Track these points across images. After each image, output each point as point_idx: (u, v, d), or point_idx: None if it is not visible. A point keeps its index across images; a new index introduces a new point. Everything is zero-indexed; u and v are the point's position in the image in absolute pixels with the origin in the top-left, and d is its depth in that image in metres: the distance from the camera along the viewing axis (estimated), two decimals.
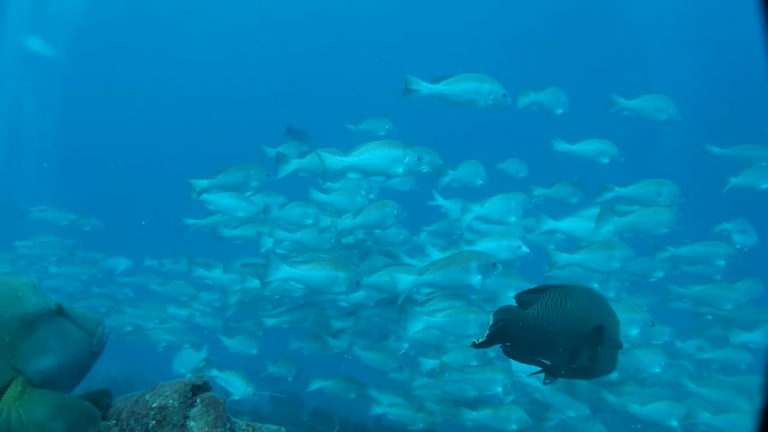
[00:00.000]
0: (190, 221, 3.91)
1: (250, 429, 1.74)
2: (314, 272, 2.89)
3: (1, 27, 12.00)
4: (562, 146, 3.57)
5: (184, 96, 15.84)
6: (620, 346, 1.55)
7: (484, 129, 8.72)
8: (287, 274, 2.88)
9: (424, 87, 2.93)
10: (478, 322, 2.86)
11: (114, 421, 1.65)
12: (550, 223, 3.15)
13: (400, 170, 2.92)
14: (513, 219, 3.24)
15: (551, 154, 3.63)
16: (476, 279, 2.76)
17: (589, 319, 1.51)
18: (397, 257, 3.38)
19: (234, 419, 1.74)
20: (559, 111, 3.49)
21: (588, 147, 3.56)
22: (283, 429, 1.71)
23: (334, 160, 2.88)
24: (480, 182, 3.53)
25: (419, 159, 2.99)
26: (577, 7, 13.01)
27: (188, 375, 3.81)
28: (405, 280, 2.80)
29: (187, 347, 4.24)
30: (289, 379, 4.00)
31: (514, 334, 1.57)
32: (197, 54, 15.84)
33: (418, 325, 2.84)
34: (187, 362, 3.96)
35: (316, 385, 3.79)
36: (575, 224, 3.13)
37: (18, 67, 12.69)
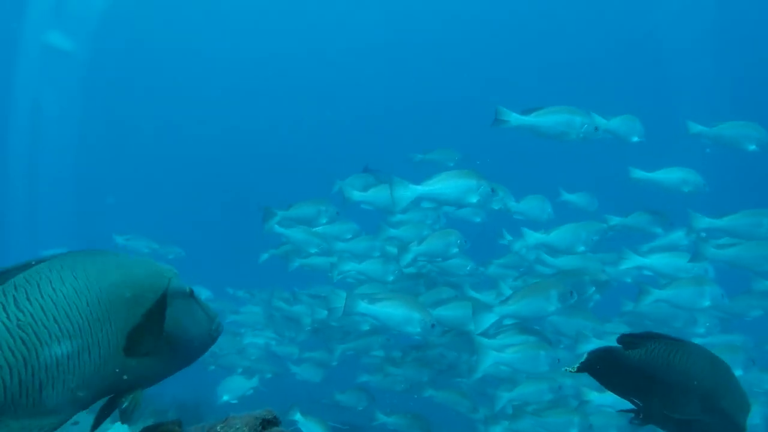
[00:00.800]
0: (265, 255, 4.03)
1: None
2: (390, 310, 2.90)
3: (23, 22, 11.85)
4: (638, 174, 3.40)
5: (209, 95, 15.46)
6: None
7: (535, 156, 8.49)
8: (364, 309, 2.90)
9: (514, 118, 2.90)
10: (549, 359, 2.85)
11: None
12: (635, 259, 2.99)
13: (474, 200, 2.93)
14: (582, 249, 3.14)
15: (614, 182, 3.53)
16: (555, 307, 2.77)
17: (704, 379, 1.41)
18: (461, 289, 3.36)
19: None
20: (635, 139, 3.32)
21: (669, 175, 3.38)
22: None
23: (404, 189, 2.89)
24: (546, 217, 3.47)
25: (493, 191, 2.97)
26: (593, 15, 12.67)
27: (232, 401, 3.93)
28: (487, 317, 2.78)
29: (239, 372, 4.28)
30: (359, 408, 3.97)
31: (609, 372, 1.54)
32: (222, 53, 15.48)
33: (488, 362, 2.82)
34: (235, 389, 4.00)
35: (381, 419, 3.73)
36: (664, 260, 2.96)
37: (39, 62, 12.52)
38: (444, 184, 2.92)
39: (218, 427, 1.65)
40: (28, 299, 1.01)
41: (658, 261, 3.01)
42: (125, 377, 1.15)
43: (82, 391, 1.07)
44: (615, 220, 3.42)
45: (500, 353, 2.85)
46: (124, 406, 1.18)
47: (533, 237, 3.23)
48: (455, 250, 3.16)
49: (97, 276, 1.11)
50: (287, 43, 15.75)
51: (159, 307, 1.17)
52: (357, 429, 4.88)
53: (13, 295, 1.01)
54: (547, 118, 2.92)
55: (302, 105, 15.71)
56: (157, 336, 1.17)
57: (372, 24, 14.69)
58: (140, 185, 14.22)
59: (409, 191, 2.90)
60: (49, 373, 1.01)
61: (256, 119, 15.97)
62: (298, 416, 3.36)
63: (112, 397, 1.17)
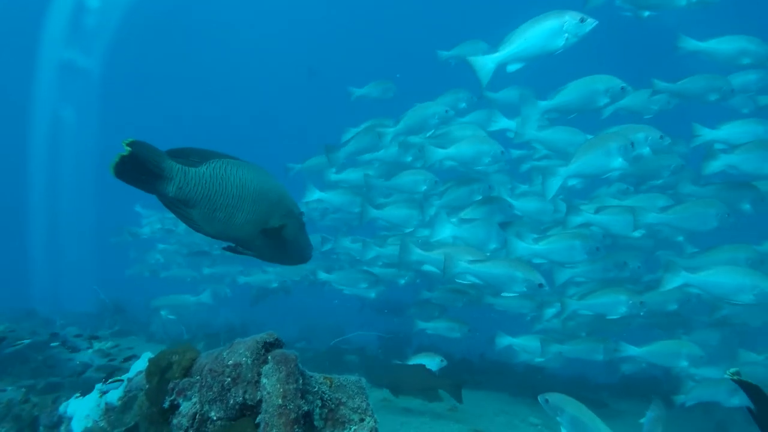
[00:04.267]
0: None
1: (328, 381, 1.73)
2: (493, 269, 3.08)
3: (40, 39, 12.60)
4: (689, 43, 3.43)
5: (220, 107, 16.34)
6: None
7: None
8: (464, 269, 3.08)
9: (540, 105, 3.10)
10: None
11: (198, 377, 1.70)
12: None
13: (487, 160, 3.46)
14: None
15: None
16: (618, 162, 2.91)
17: None
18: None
19: (310, 373, 1.75)
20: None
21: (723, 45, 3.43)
22: (363, 380, 1.69)
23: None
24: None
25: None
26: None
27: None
28: (553, 181, 3.08)
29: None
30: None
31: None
32: (228, 66, 16.36)
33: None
34: None
35: (421, 326, 4.10)
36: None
37: (57, 78, 13.20)
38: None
39: (224, 353, 1.71)
40: (227, 172, 1.82)
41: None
42: (254, 242, 1.93)
43: (230, 231, 1.88)
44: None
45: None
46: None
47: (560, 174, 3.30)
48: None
49: (262, 178, 1.87)
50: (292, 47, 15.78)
51: (289, 215, 1.93)
52: (401, 335, 5.37)
53: (224, 168, 1.81)
54: (570, 95, 3.07)
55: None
56: (280, 230, 1.92)
57: None
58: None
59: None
60: (218, 213, 1.82)
61: (266, 126, 16.24)
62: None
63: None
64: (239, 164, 1.83)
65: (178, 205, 1.79)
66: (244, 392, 1.58)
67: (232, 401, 1.61)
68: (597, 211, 3.24)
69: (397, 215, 3.83)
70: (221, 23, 15.97)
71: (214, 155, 1.81)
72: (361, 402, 1.80)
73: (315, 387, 1.71)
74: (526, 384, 4.58)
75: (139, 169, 1.66)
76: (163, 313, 5.16)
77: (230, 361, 1.65)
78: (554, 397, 2.52)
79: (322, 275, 4.39)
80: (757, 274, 2.82)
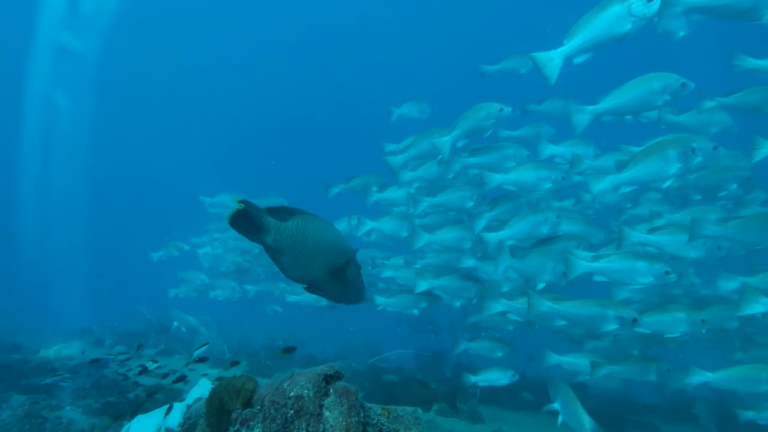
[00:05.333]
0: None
1: (386, 413, 1.74)
2: (580, 310, 3.10)
3: (36, 23, 12.48)
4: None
5: (214, 93, 15.92)
6: None
7: None
8: (549, 309, 3.11)
9: (589, 110, 2.91)
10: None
11: (258, 407, 1.74)
12: None
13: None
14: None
15: None
16: (675, 168, 2.83)
17: None
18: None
19: (369, 405, 1.77)
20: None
21: None
22: (419, 410, 1.70)
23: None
24: None
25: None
26: None
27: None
28: (601, 183, 3.07)
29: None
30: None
31: None
32: (226, 53, 15.92)
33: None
34: None
35: (462, 346, 4.10)
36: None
37: (52, 62, 12.97)
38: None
39: (285, 384, 1.74)
40: (307, 227, 2.24)
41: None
42: (325, 283, 2.36)
43: (309, 275, 2.31)
44: None
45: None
46: None
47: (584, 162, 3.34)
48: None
49: (329, 230, 2.30)
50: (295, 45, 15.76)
51: (349, 262, 2.37)
52: (438, 353, 5.32)
53: (304, 223, 2.24)
54: (624, 96, 2.90)
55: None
56: (345, 272, 2.36)
57: None
58: (149, 182, 14.74)
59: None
60: (302, 260, 2.25)
61: (261, 117, 16.29)
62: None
63: None
64: (314, 219, 2.28)
65: (273, 253, 2.26)
66: (307, 425, 1.60)
67: None
68: (651, 231, 3.20)
69: (450, 238, 3.85)
70: (220, 10, 15.58)
71: (296, 212, 2.28)
72: None
73: (374, 419, 1.73)
74: None
75: (247, 221, 2.15)
76: (175, 323, 5.33)
77: (292, 393, 1.68)
78: (556, 383, 2.87)
79: (380, 300, 4.37)
80: None
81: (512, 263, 3.29)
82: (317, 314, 5.45)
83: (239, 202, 2.10)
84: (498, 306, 3.31)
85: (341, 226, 4.94)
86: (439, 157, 3.75)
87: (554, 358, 3.76)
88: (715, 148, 2.82)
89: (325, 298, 2.49)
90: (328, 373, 1.67)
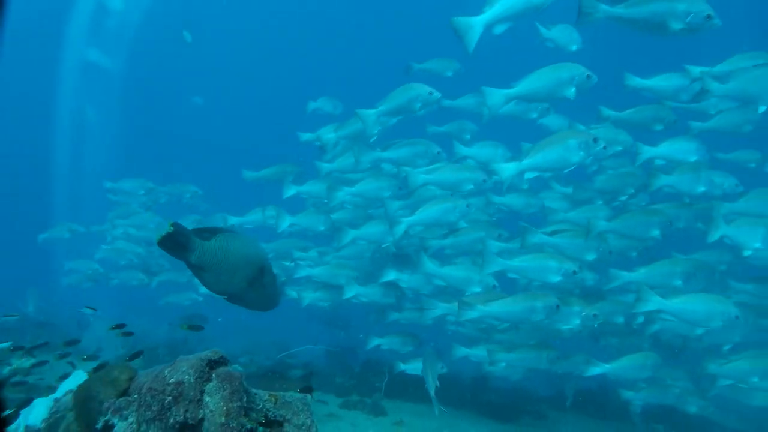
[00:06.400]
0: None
1: (273, 399, 1.71)
2: (511, 306, 3.21)
3: (63, 39, 13.21)
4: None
5: (235, 107, 16.30)
6: None
7: None
8: (481, 313, 3.24)
9: (600, 10, 2.69)
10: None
11: (135, 396, 1.64)
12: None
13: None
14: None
15: None
16: (578, 156, 2.94)
17: None
18: None
19: (255, 391, 1.72)
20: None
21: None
22: (308, 397, 1.68)
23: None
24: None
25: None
26: None
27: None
28: (507, 167, 3.09)
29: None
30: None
31: None
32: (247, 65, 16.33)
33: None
34: None
35: (375, 342, 4.13)
36: None
37: (80, 77, 13.73)
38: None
39: (166, 371, 1.65)
40: (228, 244, 2.47)
41: None
42: (244, 295, 2.59)
43: (230, 288, 2.54)
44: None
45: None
46: None
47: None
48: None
49: (250, 245, 2.56)
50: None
51: (264, 270, 2.60)
52: (349, 349, 5.33)
53: (226, 242, 2.47)
54: (641, 7, 2.68)
55: None
56: (261, 282, 2.59)
57: None
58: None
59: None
60: (223, 276, 2.47)
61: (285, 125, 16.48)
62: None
63: None
64: (235, 237, 2.49)
65: (196, 270, 2.45)
66: (186, 411, 1.53)
67: (172, 420, 1.56)
68: (552, 234, 3.39)
69: (374, 233, 3.90)
70: (241, 25, 16.03)
71: (220, 231, 2.48)
72: (306, 419, 1.79)
73: (259, 404, 1.69)
74: (473, 396, 4.68)
75: (176, 242, 2.34)
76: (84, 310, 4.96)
77: (172, 379, 1.60)
78: (428, 351, 3.47)
79: (306, 295, 4.33)
80: (721, 300, 3.14)
81: (492, 312, 3.29)
82: (225, 308, 5.24)
83: (171, 225, 2.31)
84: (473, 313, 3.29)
85: (255, 216, 4.86)
86: (357, 150, 3.78)
87: (462, 351, 3.90)
88: (595, 140, 2.94)
89: (245, 307, 2.72)
90: (212, 358, 1.61)
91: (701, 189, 3.32)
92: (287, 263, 4.72)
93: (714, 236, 3.18)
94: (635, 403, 3.74)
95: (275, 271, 2.84)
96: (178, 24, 14.75)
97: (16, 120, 14.87)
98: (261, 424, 1.66)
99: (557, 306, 3.20)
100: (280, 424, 1.68)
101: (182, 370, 1.61)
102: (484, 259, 3.33)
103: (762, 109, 2.86)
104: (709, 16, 2.60)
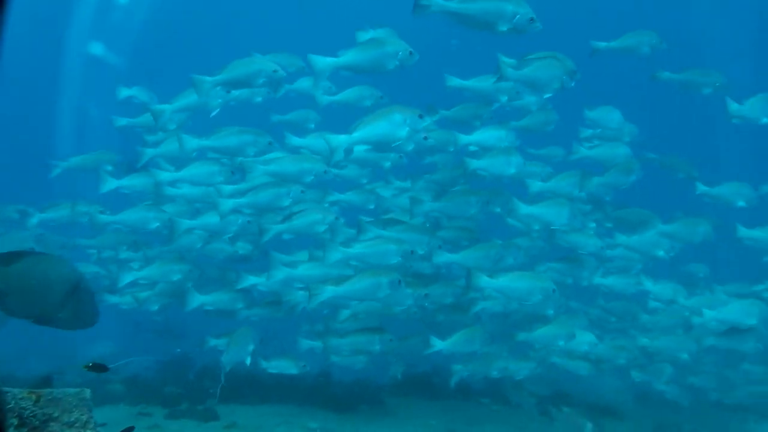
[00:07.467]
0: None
1: (33, 396, 1.48)
2: (359, 284, 3.26)
3: (67, 34, 13.27)
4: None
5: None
6: None
7: None
8: (333, 293, 3.25)
9: (435, 3, 2.72)
10: None
11: None
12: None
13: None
14: None
15: None
16: (404, 131, 3.03)
17: None
18: None
19: (7, 389, 1.47)
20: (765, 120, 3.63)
21: None
22: (87, 391, 1.49)
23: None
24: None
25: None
26: None
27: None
28: (338, 140, 3.09)
29: None
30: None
31: None
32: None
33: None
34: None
35: (212, 342, 3.87)
36: None
37: (82, 73, 13.58)
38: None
39: None
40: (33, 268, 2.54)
41: None
42: (56, 315, 2.61)
43: (38, 310, 2.61)
44: None
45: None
46: None
47: None
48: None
49: (58, 266, 2.62)
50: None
51: (78, 288, 2.62)
52: (184, 356, 4.97)
53: (32, 264, 2.54)
54: (473, 4, 2.77)
55: None
56: (75, 300, 2.61)
57: None
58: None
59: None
60: (29, 299, 2.53)
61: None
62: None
63: None
64: (42, 258, 2.47)
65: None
66: None
67: None
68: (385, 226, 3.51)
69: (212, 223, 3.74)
70: (248, 17, 14.92)
71: (25, 254, 2.46)
72: (81, 415, 1.55)
73: (11, 403, 1.41)
74: (316, 390, 4.61)
75: None
76: None
77: None
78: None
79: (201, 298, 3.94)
80: (539, 277, 3.51)
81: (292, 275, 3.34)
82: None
83: None
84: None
85: (63, 212, 4.36)
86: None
87: (306, 344, 3.84)
88: (420, 115, 3.06)
89: (59, 328, 2.70)
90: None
91: (511, 171, 3.64)
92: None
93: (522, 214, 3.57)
94: (460, 375, 4.00)
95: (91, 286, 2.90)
96: (183, 19, 14.86)
97: (17, 120, 14.01)
98: (15, 426, 1.40)
99: (399, 281, 3.33)
100: (43, 423, 1.43)
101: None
102: (327, 247, 3.33)
103: (547, 95, 3.26)
104: (532, 19, 2.80)
